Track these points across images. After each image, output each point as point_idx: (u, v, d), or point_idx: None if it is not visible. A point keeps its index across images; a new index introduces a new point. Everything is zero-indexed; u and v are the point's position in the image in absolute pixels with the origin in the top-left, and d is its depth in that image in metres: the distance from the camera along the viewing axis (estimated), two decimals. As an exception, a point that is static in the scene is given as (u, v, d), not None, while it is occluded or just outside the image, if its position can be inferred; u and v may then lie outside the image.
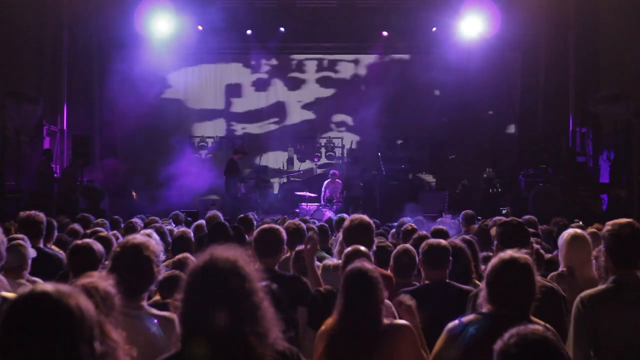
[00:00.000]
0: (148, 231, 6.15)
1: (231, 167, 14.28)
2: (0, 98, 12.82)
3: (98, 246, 4.05)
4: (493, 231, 5.03)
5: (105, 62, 15.95)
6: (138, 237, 3.22)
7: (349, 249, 4.01)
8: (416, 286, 4.11)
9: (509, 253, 2.95)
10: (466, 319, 2.97)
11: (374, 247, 4.42)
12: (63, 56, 14.81)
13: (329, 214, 12.85)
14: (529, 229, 6.74)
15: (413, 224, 6.79)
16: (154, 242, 3.22)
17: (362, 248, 4.05)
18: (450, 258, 4.08)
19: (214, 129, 16.72)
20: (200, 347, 2.05)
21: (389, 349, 3.06)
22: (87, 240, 4.22)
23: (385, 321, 3.11)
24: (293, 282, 4.14)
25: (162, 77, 15.80)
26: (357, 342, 3.04)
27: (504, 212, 11.90)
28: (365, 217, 4.59)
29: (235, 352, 2.07)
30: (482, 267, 4.29)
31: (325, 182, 14.47)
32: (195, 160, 15.33)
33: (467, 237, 5.22)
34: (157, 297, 3.73)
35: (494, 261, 2.95)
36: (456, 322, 2.98)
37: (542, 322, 2.98)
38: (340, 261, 4.60)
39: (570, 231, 4.63)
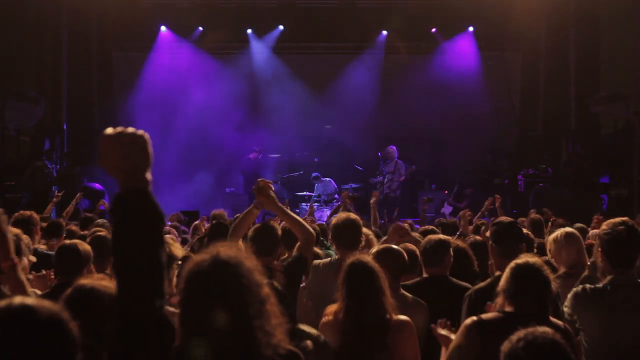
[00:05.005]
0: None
1: (247, 164, 14.48)
2: (0, 98, 12.81)
3: (85, 247, 4.05)
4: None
5: (106, 62, 15.95)
6: None
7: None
8: (415, 280, 4.10)
9: (523, 259, 3.00)
10: (485, 315, 2.96)
11: (362, 244, 4.40)
12: (63, 56, 14.81)
13: (328, 212, 12.81)
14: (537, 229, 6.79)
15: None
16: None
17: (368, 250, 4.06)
18: (451, 254, 4.09)
19: (212, 128, 16.66)
20: (201, 348, 1.97)
21: (395, 344, 3.13)
22: (75, 240, 4.22)
23: (392, 316, 3.16)
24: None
25: (162, 77, 15.77)
26: (365, 334, 3.12)
27: (514, 212, 11.88)
28: (352, 215, 4.57)
29: (239, 353, 1.97)
30: None
31: (318, 184, 14.33)
32: (195, 159, 15.31)
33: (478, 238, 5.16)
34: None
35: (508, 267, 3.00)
36: (474, 318, 2.96)
37: (560, 323, 2.96)
38: (330, 259, 4.60)
39: (565, 230, 4.59)
